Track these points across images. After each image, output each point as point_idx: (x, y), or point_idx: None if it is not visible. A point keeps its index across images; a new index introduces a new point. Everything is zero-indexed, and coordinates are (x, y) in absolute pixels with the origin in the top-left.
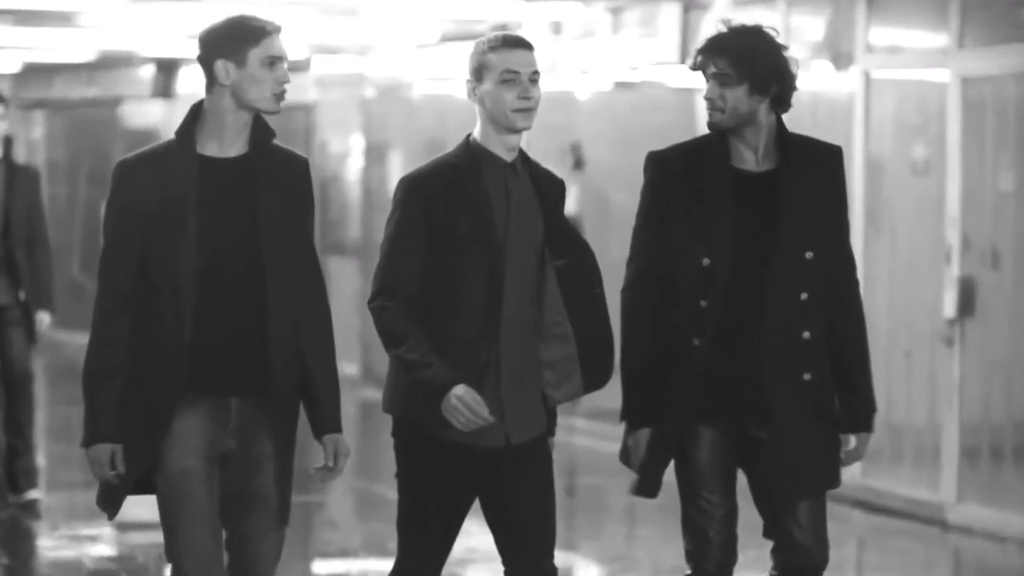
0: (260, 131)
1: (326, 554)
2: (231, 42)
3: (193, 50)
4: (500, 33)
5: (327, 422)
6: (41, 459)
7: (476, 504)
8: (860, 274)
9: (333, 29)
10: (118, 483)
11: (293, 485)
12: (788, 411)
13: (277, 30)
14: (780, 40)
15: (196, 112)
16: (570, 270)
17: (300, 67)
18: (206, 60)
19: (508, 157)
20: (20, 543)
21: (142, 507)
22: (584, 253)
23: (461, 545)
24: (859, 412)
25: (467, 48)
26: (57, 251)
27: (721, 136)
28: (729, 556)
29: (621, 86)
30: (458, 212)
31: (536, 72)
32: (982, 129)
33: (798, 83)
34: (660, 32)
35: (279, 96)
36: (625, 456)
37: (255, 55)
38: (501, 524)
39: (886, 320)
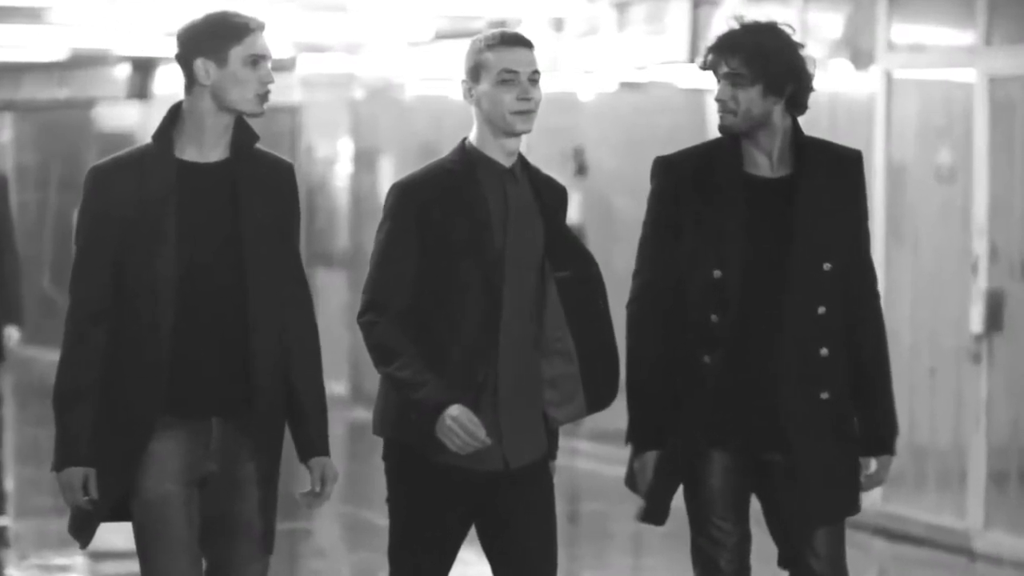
0: (242, 134)
1: None
2: (211, 40)
3: (171, 48)
4: (498, 30)
5: (314, 444)
6: (9, 483)
7: (473, 531)
8: (881, 286)
9: (320, 26)
10: (91, 509)
11: (278, 511)
12: (805, 433)
13: (260, 27)
14: (796, 38)
15: (174, 114)
16: (572, 282)
17: (285, 66)
18: (185, 59)
19: (506, 162)
20: None
21: (117, 535)
22: (587, 264)
23: (456, 575)
24: (880, 433)
25: (463, 46)
26: (26, 262)
27: (733, 140)
28: None
29: (627, 87)
30: (453, 219)
31: (536, 72)
32: (1011, 132)
33: (815, 83)
34: (668, 29)
35: (262, 97)
36: (631, 480)
37: (237, 54)
38: (499, 552)
39: (909, 335)
